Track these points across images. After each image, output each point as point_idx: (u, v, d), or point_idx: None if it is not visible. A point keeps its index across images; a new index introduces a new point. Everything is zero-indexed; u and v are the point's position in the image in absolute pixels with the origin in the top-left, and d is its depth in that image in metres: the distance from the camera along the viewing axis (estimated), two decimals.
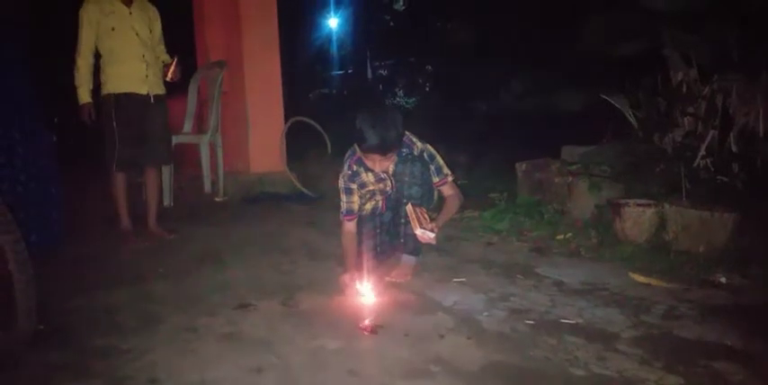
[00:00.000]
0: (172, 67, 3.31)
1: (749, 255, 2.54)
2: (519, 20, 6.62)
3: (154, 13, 3.36)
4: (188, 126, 5.02)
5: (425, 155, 2.48)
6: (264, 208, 4.44)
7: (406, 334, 1.91)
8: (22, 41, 2.92)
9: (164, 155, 3.47)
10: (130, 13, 3.19)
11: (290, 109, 5.39)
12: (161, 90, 3.36)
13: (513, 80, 6.48)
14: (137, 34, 3.20)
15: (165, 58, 3.41)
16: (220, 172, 4.99)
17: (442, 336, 1.89)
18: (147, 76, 3.25)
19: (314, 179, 4.99)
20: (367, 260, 2.42)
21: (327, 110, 8.64)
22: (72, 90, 3.18)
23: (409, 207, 2.34)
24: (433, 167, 2.48)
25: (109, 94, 3.20)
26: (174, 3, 4.70)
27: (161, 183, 3.67)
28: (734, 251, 2.61)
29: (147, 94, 3.26)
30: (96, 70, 3.21)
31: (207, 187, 5.01)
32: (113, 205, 3.33)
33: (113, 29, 3.14)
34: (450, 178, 2.53)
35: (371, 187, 2.53)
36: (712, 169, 3.08)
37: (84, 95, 3.16)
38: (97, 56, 3.19)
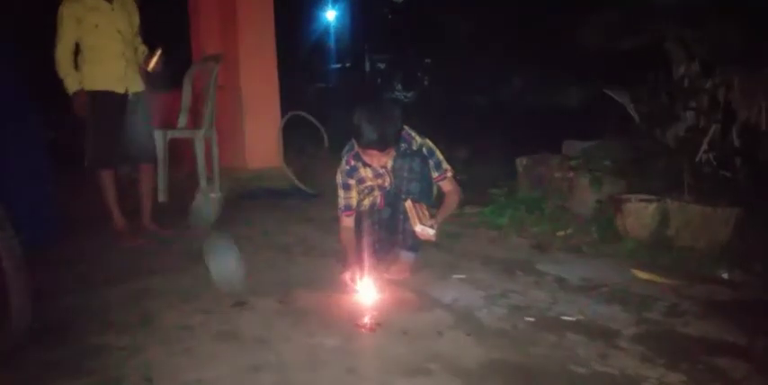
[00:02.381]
0: (155, 58, 3.20)
1: (752, 250, 2.53)
2: (520, 14, 6.58)
3: (132, 4, 3.28)
4: (183, 121, 4.97)
5: (424, 150, 2.45)
6: (261, 204, 4.41)
7: (405, 331, 1.89)
8: (15, 37, 2.88)
9: (146, 151, 3.38)
10: (113, 10, 3.11)
11: (287, 103, 5.35)
12: (140, 87, 3.27)
13: (514, 74, 6.45)
14: (119, 31, 3.12)
15: (143, 48, 3.32)
16: (216, 168, 4.95)
17: (441, 334, 1.87)
18: (125, 74, 3.17)
19: (311, 175, 4.96)
20: (366, 257, 2.40)
21: (325, 104, 8.60)
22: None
23: (408, 203, 2.31)
24: (432, 162, 2.46)
25: (85, 92, 3.11)
26: None
27: (156, 180, 3.62)
28: (736, 246, 2.60)
29: (126, 93, 3.19)
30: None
31: (202, 183, 4.98)
32: (104, 203, 3.29)
33: (97, 26, 3.05)
34: (449, 173, 2.51)
35: (370, 183, 2.50)
36: (715, 164, 3.05)
37: (73, 84, 3.01)
38: (75, 52, 3.09)
